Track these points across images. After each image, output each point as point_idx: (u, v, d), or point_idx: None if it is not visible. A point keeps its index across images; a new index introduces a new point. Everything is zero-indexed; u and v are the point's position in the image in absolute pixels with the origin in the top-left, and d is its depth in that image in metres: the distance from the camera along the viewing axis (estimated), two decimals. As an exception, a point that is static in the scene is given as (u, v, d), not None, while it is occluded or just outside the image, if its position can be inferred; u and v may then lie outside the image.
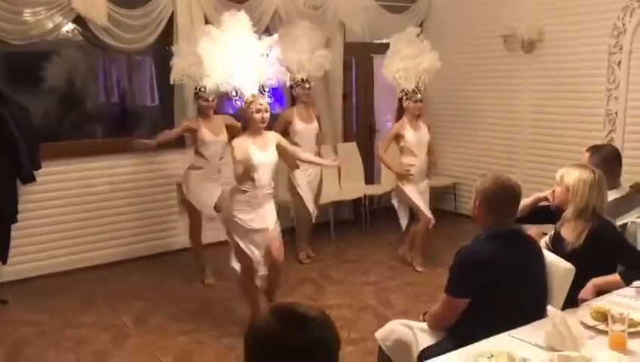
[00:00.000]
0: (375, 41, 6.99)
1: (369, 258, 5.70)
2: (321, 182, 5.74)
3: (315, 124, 5.51)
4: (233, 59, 3.83)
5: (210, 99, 4.76)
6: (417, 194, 5.26)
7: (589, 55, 5.51)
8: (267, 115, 3.89)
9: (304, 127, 5.43)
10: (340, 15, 6.38)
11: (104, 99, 6.76)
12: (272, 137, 4.05)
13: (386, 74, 5.37)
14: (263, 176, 3.89)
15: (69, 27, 5.27)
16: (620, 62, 5.25)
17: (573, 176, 2.88)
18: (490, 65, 6.46)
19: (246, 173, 3.81)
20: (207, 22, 5.50)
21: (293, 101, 5.74)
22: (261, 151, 3.87)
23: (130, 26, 5.24)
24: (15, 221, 4.73)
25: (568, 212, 2.88)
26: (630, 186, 3.65)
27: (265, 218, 3.94)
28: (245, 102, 3.86)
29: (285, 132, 5.27)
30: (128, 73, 7.01)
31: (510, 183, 2.51)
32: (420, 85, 5.24)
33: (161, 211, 5.71)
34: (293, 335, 1.32)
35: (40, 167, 4.81)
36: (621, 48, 5.22)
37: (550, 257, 2.64)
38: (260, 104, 3.85)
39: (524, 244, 2.57)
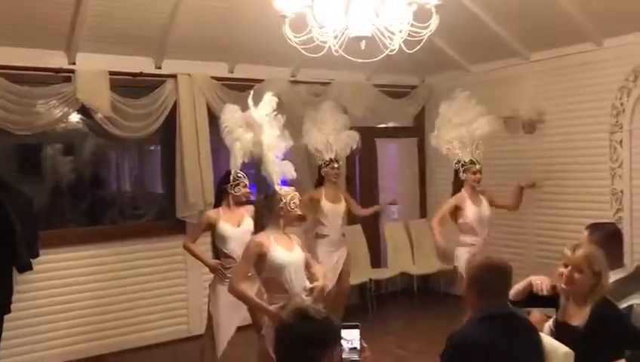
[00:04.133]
0: (378, 126, 7.08)
1: (374, 347, 5.42)
2: (348, 263, 5.57)
3: (343, 205, 5.46)
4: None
5: (243, 185, 4.33)
6: None
7: (590, 135, 5.50)
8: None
9: (331, 208, 5.36)
10: (342, 101, 6.49)
11: (107, 187, 6.85)
12: (296, 240, 3.54)
13: (438, 144, 5.22)
14: (297, 280, 3.34)
15: (73, 116, 5.42)
16: (621, 141, 5.21)
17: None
18: (492, 147, 6.43)
19: (274, 280, 3.31)
20: (209, 110, 5.64)
21: (321, 181, 5.54)
22: (286, 251, 3.36)
23: (133, 115, 5.35)
24: (8, 311, 4.61)
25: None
26: (638, 266, 3.51)
27: None
28: (282, 195, 3.40)
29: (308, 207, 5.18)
30: (131, 161, 7.14)
31: (498, 263, 2.42)
32: (477, 154, 5.05)
33: (157, 299, 5.61)
34: (297, 327, 1.86)
35: (38, 256, 4.78)
36: (621, 127, 5.21)
37: (548, 341, 2.49)
38: (299, 199, 3.48)
39: (518, 327, 2.44)
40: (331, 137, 5.47)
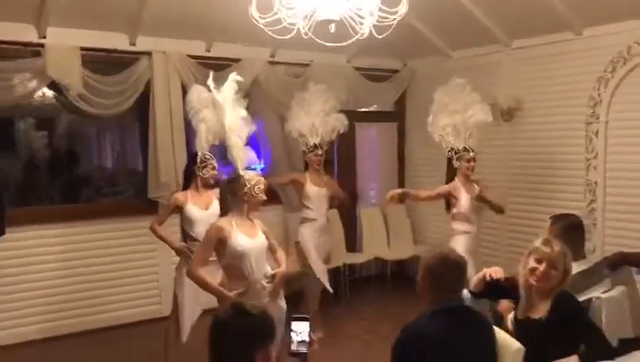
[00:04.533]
0: (358, 110, 7.00)
1: (345, 332, 5.40)
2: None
3: (326, 189, 5.39)
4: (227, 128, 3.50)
5: (211, 167, 4.24)
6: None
7: (567, 124, 5.47)
8: None
9: (317, 191, 5.27)
10: (321, 83, 6.38)
11: (84, 163, 6.77)
12: (259, 224, 3.48)
13: (432, 131, 5.07)
14: (257, 267, 3.31)
15: (45, 92, 5.31)
16: (597, 132, 5.19)
17: None
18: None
19: (234, 266, 3.27)
20: (184, 88, 5.53)
21: (306, 166, 5.47)
22: (247, 237, 3.31)
23: (105, 92, 5.23)
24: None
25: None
26: (603, 258, 3.51)
27: None
28: (246, 180, 3.33)
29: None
30: (112, 137, 7.04)
31: (452, 256, 2.40)
32: (470, 142, 4.93)
33: (129, 279, 5.56)
34: (234, 321, 1.89)
35: (3, 233, 4.70)
36: (598, 118, 5.18)
37: (502, 336, 2.48)
38: (264, 184, 3.41)
39: (471, 321, 2.42)
40: (318, 120, 5.33)
